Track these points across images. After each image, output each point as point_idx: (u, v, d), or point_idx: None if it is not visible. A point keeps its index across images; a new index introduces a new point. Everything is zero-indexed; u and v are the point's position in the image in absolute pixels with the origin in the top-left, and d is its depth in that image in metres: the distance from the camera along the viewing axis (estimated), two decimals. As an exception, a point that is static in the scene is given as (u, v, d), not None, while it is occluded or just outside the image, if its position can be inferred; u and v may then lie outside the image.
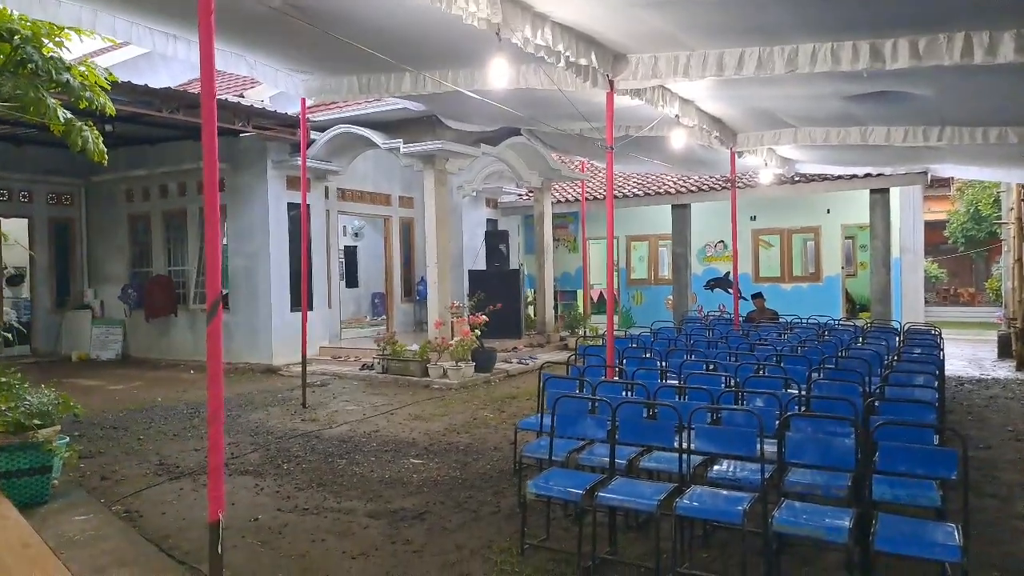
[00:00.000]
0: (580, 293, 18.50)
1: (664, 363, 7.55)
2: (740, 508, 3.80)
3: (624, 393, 6.04)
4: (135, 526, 5.01)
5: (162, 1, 6.78)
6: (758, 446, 4.18)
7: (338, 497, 5.69)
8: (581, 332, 15.80)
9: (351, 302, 21.05)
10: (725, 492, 4.18)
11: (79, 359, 14.28)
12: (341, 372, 11.97)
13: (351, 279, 21.08)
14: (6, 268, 16.91)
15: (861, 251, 19.16)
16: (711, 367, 7.13)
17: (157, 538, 4.78)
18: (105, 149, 7.64)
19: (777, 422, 4.55)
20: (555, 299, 18.13)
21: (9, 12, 6.74)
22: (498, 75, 6.30)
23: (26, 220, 14.78)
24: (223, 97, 12.91)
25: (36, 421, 5.37)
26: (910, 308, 16.66)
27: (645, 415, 5.24)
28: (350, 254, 21.13)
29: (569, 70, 6.44)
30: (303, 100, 9.43)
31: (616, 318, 19.23)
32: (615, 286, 20.55)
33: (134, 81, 11.05)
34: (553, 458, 4.89)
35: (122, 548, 4.48)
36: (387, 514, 5.30)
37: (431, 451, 7.11)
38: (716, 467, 4.56)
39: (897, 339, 9.71)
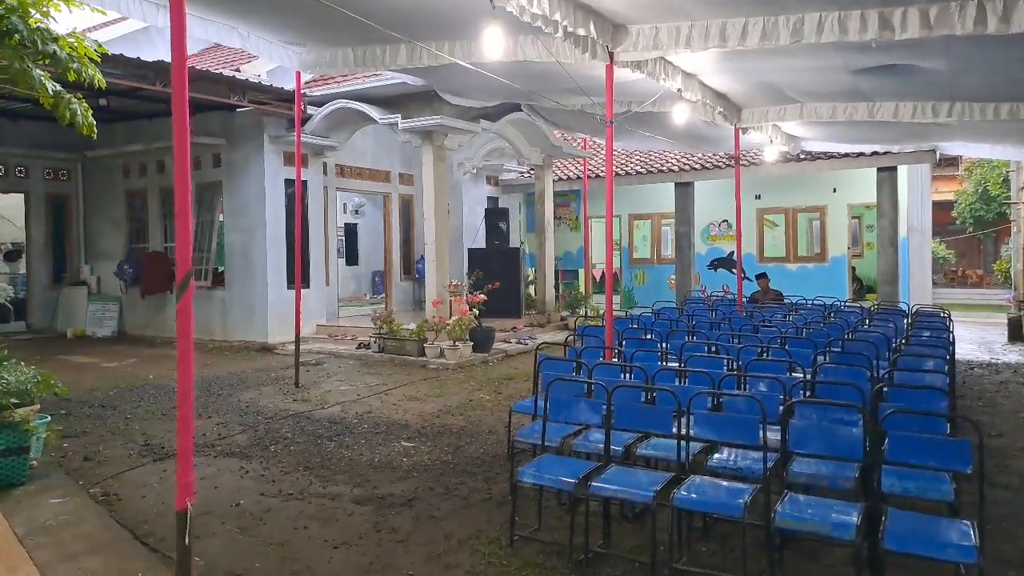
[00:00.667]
0: (581, 272, 18.27)
1: (665, 345, 7.36)
2: (741, 500, 3.61)
3: (623, 376, 5.86)
4: (112, 510, 4.85)
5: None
6: (760, 434, 3.99)
7: (324, 482, 5.53)
8: (582, 312, 15.58)
9: (351, 280, 20.87)
10: (725, 483, 3.99)
11: (75, 336, 14.14)
12: (337, 351, 11.80)
13: (351, 257, 20.88)
14: (3, 244, 16.81)
15: (868, 231, 18.85)
16: (713, 349, 6.95)
17: (134, 523, 4.62)
18: (94, 122, 7.42)
19: (781, 408, 4.36)
20: (556, 278, 17.93)
21: (-5, -19, 6.51)
22: (492, 45, 6.02)
23: (22, 195, 14.57)
24: (219, 71, 12.64)
25: (13, 400, 5.20)
26: (918, 289, 16.43)
27: (643, 399, 5.06)
28: (350, 231, 20.91)
29: (567, 41, 6.16)
30: (297, 73, 9.17)
31: (617, 298, 19.26)
32: (617, 265, 20.48)
33: (136, 55, 10.81)
34: (547, 444, 4.71)
35: (96, 533, 4.32)
36: (374, 500, 5.13)
37: (423, 434, 6.94)
38: (716, 455, 4.37)
39: (905, 321, 9.50)
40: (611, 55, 6.67)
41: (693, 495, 3.76)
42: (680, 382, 5.52)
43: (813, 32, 5.73)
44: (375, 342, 11.48)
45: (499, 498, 5.11)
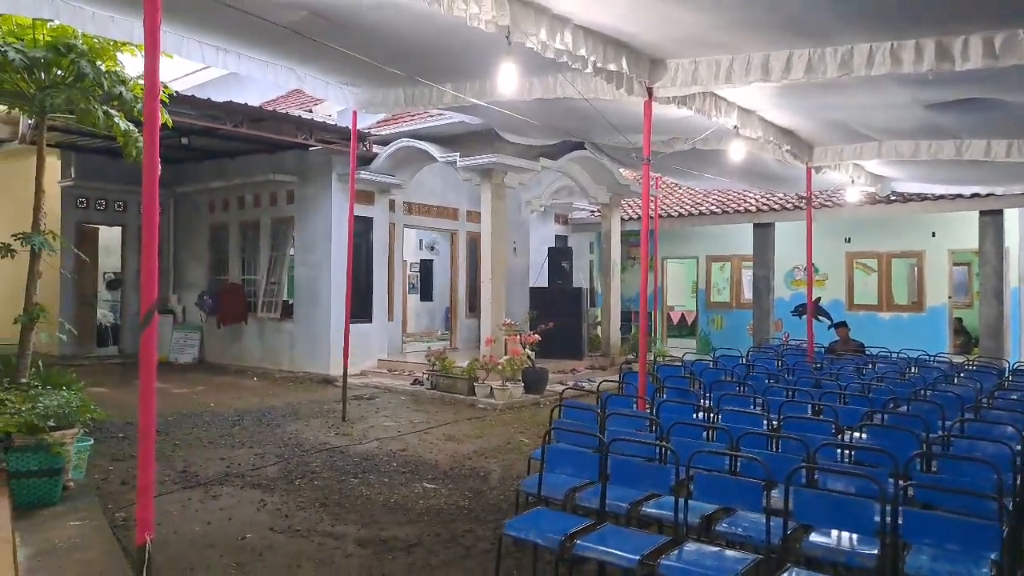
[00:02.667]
0: (652, 315, 17.73)
1: (708, 395, 6.92)
2: (735, 572, 3.23)
3: (649, 427, 5.51)
4: (127, 535, 4.90)
5: (203, 14, 6.81)
6: (764, 500, 3.60)
7: (335, 520, 5.43)
8: (650, 356, 15.06)
9: (425, 315, 21.11)
10: (726, 551, 3.62)
11: (160, 361, 14.77)
12: (393, 386, 11.84)
13: (426, 292, 21.15)
14: (107, 273, 17.98)
15: (977, 279, 17.46)
16: (759, 404, 6.45)
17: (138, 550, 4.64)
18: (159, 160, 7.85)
19: (794, 470, 3.93)
20: (629, 320, 17.48)
21: (72, 30, 7.03)
22: (506, 81, 5.93)
23: (120, 228, 15.58)
24: (294, 112, 13.19)
25: (50, 423, 5.40)
26: (1032, 345, 14.97)
27: (656, 456, 4.71)
28: (425, 267, 21.22)
29: (599, 76, 5.99)
30: (354, 113, 9.40)
31: (694, 342, 18.56)
32: (693, 309, 19.80)
33: (228, 99, 11.44)
34: (545, 496, 4.45)
35: (96, 560, 4.37)
36: (376, 543, 4.98)
37: (449, 476, 6.76)
38: (724, 521, 3.98)
39: (1000, 380, 8.57)
40: (649, 91, 6.44)
41: (680, 564, 3.40)
42: (708, 437, 5.15)
43: (863, 65, 5.34)
44: (428, 379, 11.45)
45: (503, 549, 4.84)
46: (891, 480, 3.83)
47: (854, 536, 3.55)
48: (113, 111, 7.51)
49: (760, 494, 3.63)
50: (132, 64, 7.86)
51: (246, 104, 11.05)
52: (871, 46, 5.23)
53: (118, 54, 7.47)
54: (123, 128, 7.60)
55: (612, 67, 5.84)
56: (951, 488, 3.59)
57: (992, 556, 3.15)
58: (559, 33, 5.29)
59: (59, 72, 7.03)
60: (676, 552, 3.52)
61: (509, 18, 4.77)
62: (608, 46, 5.74)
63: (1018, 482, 4.01)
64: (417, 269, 21.21)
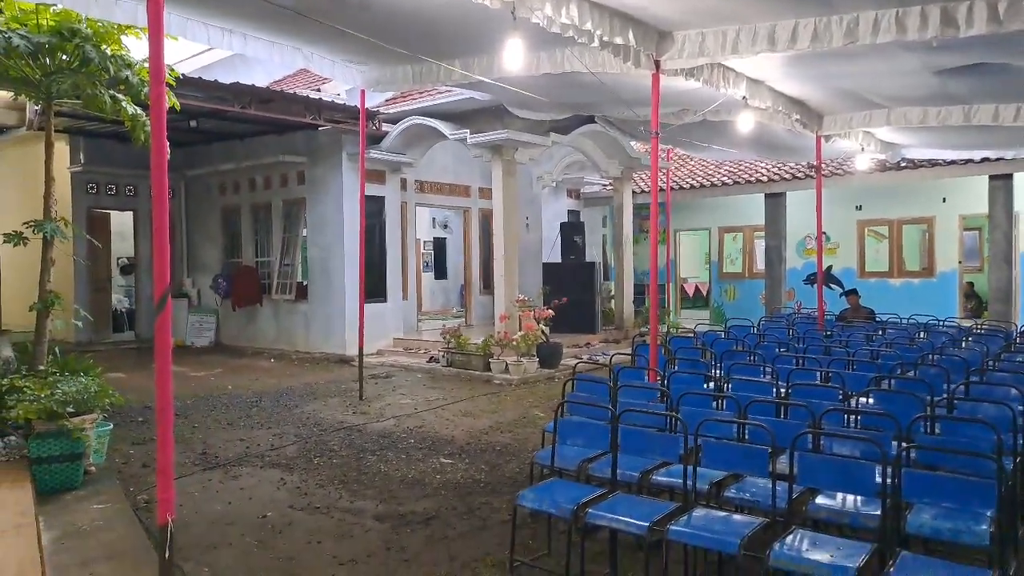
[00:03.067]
0: (666, 287, 17.77)
1: (719, 365, 7.00)
2: (737, 539, 3.32)
3: (660, 398, 5.60)
4: (149, 516, 5.06)
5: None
6: (769, 465, 3.68)
7: (353, 496, 5.58)
8: (663, 328, 15.13)
9: (440, 293, 21.22)
10: (734, 516, 3.71)
11: (176, 345, 15.05)
12: (409, 364, 11.99)
13: (440, 270, 21.24)
14: (121, 259, 18.19)
15: (988, 244, 17.34)
16: (770, 374, 6.51)
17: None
18: (167, 144, 7.94)
19: (798, 436, 4.00)
20: (642, 292, 17.52)
21: (76, 14, 7.07)
22: (513, 57, 5.94)
23: (131, 213, 15.73)
24: (302, 92, 13.22)
25: (70, 409, 5.55)
26: (1042, 309, 14.90)
27: (665, 425, 4.80)
28: (439, 245, 21.29)
29: (605, 50, 5.99)
30: (362, 92, 9.42)
31: (707, 313, 18.58)
32: (706, 280, 19.80)
33: (234, 80, 11.50)
34: (558, 467, 4.55)
35: (119, 540, 4.52)
36: (394, 517, 5.12)
37: (466, 450, 6.89)
38: (732, 487, 4.07)
39: (1008, 343, 8.59)
40: (657, 64, 6.44)
41: (688, 529, 3.50)
42: (718, 406, 5.23)
43: (869, 32, 5.32)
44: (443, 356, 11.58)
45: (518, 520, 4.96)
46: (895, 443, 3.90)
47: (858, 498, 3.63)
48: (120, 95, 7.56)
49: (766, 460, 3.71)
50: (137, 47, 7.90)
51: (253, 85, 11.10)
52: (876, 13, 5.21)
53: (123, 37, 7.50)
54: (131, 112, 7.64)
55: (619, 40, 5.83)
56: (950, 448, 3.67)
57: (989, 513, 3.22)
58: (565, 7, 5.28)
59: (64, 57, 7.06)
60: (685, 518, 3.61)
61: (512, -7, 4.78)
62: (615, 19, 5.74)
63: (1019, 441, 4.06)
64: (431, 247, 21.30)
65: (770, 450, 3.71)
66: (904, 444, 3.70)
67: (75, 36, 6.94)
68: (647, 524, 3.59)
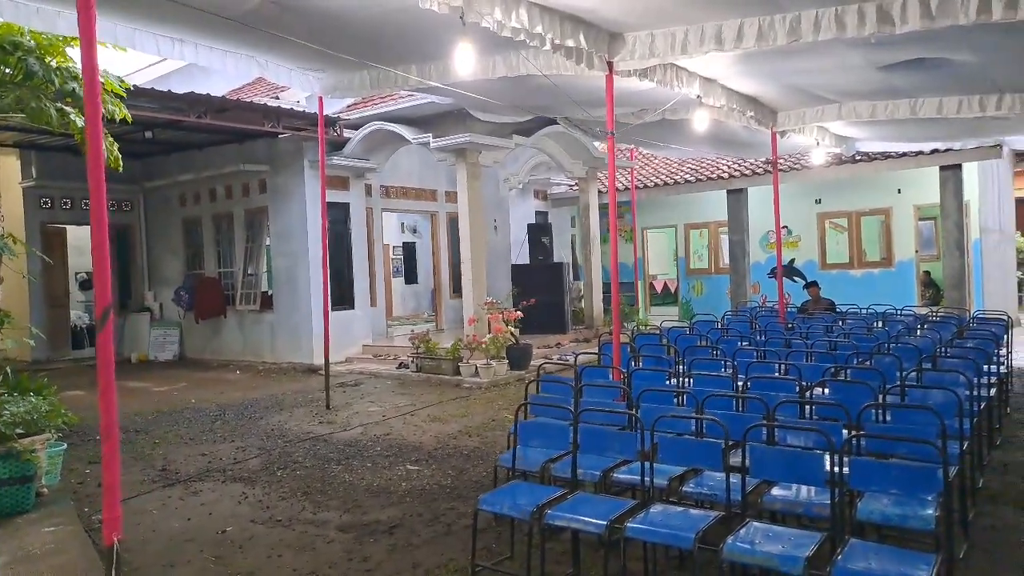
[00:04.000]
0: (637, 285, 17.89)
1: (683, 359, 7.07)
2: (692, 534, 3.35)
3: (622, 396, 5.64)
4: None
5: (154, 5, 6.73)
6: (723, 460, 3.73)
7: (317, 507, 5.53)
8: (632, 326, 15.23)
9: (411, 298, 21.16)
10: (691, 511, 3.76)
11: (139, 360, 14.82)
12: (378, 371, 11.92)
13: (410, 275, 21.18)
14: (79, 273, 17.84)
15: (942, 233, 17.75)
16: (731, 368, 6.58)
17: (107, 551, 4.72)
18: (120, 156, 7.80)
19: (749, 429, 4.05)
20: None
21: (18, 27, 6.91)
22: (464, 62, 5.96)
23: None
24: (260, 100, 13.08)
25: (18, 430, 5.42)
26: (996, 294, 15.25)
27: (626, 424, 4.83)
28: (409, 250, 21.23)
29: (558, 53, 6.03)
30: (319, 98, 9.35)
31: (676, 309, 18.75)
32: (674, 276, 19.99)
33: (193, 89, 11.29)
34: (519, 468, 4.57)
35: (71, 564, 4.43)
36: (358, 527, 5.09)
37: (433, 456, 6.87)
38: (691, 482, 4.12)
39: (958, 329, 8.79)
40: (610, 65, 6.48)
41: (645, 526, 3.53)
42: (679, 402, 5.28)
43: (811, 30, 5.43)
44: (413, 362, 11.53)
45: (482, 525, 4.95)
46: (846, 432, 3.97)
47: (812, 488, 3.70)
48: (68, 108, 7.42)
49: (720, 454, 3.75)
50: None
51: (208, 94, 10.94)
52: (817, 12, 5.32)
53: (69, 49, 7.37)
54: (80, 125, 7.50)
55: (570, 43, 5.87)
56: (894, 436, 3.75)
57: (933, 498, 3.29)
58: (514, 11, 5.30)
59: (7, 71, 6.92)
60: (642, 515, 3.64)
61: (460, -1, 4.79)
62: (565, 22, 5.77)
63: (966, 424, 4.16)
64: (400, 252, 21.23)
65: (724, 444, 3.75)
66: (851, 433, 3.77)
67: (17, 49, 6.78)
68: (605, 523, 3.61)
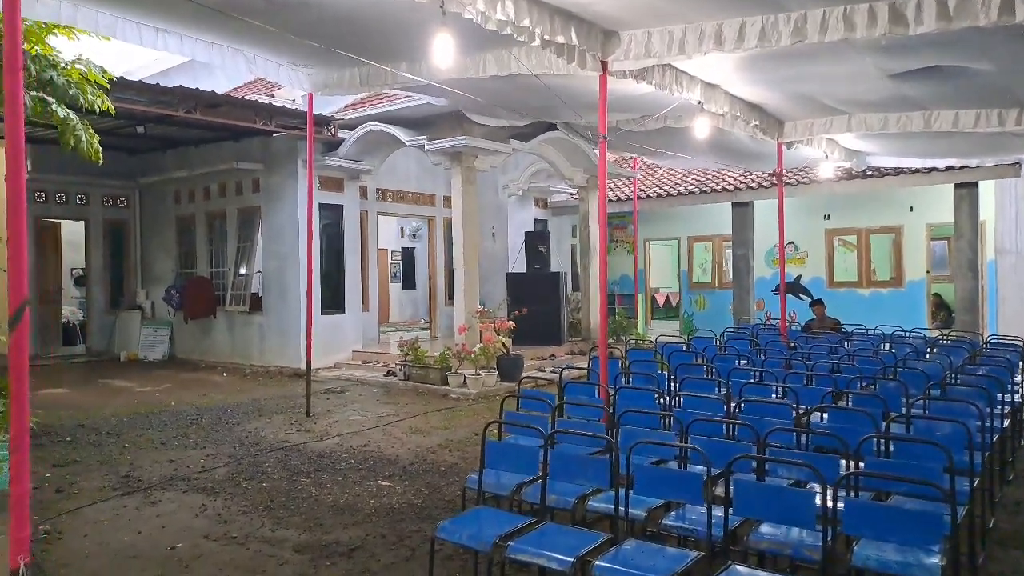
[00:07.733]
0: (638, 297, 17.51)
1: (676, 377, 6.70)
2: (674, 570, 2.99)
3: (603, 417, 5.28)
4: (44, 550, 4.64)
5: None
6: (704, 493, 3.37)
7: (276, 524, 5.18)
8: (631, 339, 14.88)
9: (409, 304, 20.84)
10: (667, 548, 3.39)
11: (128, 359, 14.52)
12: (365, 378, 11.58)
13: (408, 281, 20.85)
14: (75, 269, 17.60)
15: (954, 253, 17.27)
16: (724, 389, 6.21)
17: (56, 566, 4.39)
18: (100, 149, 7.51)
19: (733, 460, 3.69)
20: (613, 303, 17.24)
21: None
22: (442, 54, 5.62)
23: (83, 222, 15.18)
24: (253, 97, 12.82)
25: (-35, 433, 5.12)
26: (1011, 318, 14.75)
27: (600, 449, 4.47)
28: (408, 256, 20.92)
29: (548, 50, 5.70)
30: (310, 95, 9.06)
31: (677, 324, 18.36)
32: (676, 290, 19.58)
33: (194, 86, 11.03)
34: (487, 492, 4.22)
35: (0, 579, 4.08)
36: (316, 548, 4.73)
37: (408, 471, 6.51)
38: (671, 514, 3.75)
39: (972, 354, 8.39)
40: (604, 64, 6.15)
41: (616, 565, 3.17)
42: (665, 425, 4.92)
43: (816, 31, 5.08)
44: (401, 369, 11.19)
45: (449, 550, 4.61)
46: (843, 463, 3.60)
47: (804, 529, 3.33)
48: (49, 97, 7.15)
49: (700, 486, 3.39)
50: (70, 48, 7.51)
51: (198, 89, 10.67)
52: (824, 11, 4.97)
53: (51, 37, 7.11)
54: (62, 115, 7.24)
55: (561, 39, 5.54)
56: (893, 476, 3.37)
57: (937, 547, 2.92)
58: (499, 3, 4.98)
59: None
60: (613, 551, 3.28)
61: (440, -13, 4.47)
62: (556, 16, 5.44)
63: (976, 459, 3.79)
64: (399, 257, 20.91)
65: (706, 476, 3.39)
66: (847, 469, 3.40)
67: (-10, 36, 6.52)
68: (571, 559, 3.25)
